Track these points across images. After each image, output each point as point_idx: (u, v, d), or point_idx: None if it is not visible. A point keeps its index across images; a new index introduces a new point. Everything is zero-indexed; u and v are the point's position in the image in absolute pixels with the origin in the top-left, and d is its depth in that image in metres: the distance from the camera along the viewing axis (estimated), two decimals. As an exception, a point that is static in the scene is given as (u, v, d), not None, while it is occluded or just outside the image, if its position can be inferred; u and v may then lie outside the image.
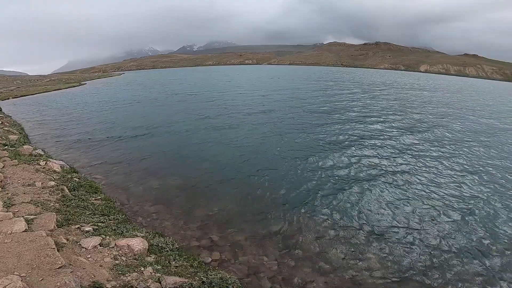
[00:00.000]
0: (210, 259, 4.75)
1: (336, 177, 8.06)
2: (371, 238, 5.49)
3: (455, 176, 8.70)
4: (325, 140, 11.62)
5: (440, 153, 10.88)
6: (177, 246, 4.74)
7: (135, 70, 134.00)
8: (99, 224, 4.50)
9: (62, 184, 5.90)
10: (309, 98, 23.75)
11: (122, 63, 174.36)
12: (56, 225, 4.00)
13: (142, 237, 4.29)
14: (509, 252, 5.28)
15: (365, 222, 5.99)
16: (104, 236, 3.95)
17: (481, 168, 9.54)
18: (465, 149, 11.54)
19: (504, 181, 8.56)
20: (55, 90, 33.71)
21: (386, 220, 6.08)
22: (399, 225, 5.91)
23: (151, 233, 4.90)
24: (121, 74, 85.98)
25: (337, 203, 6.72)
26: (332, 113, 16.98)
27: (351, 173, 8.39)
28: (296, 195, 7.04)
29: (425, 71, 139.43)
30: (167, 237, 4.94)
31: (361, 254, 5.05)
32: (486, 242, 5.57)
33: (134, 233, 4.46)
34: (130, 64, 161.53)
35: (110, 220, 4.90)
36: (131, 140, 11.51)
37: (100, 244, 3.70)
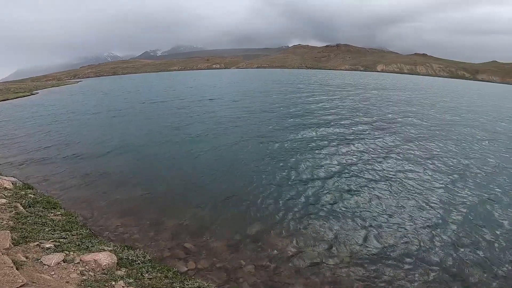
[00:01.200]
0: (186, 268, 4.61)
1: (311, 180, 8.20)
2: (347, 236, 5.69)
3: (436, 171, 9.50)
4: (296, 142, 11.87)
5: (407, 149, 11.80)
6: (149, 258, 4.55)
7: (94, 77, 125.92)
8: (61, 240, 4.17)
9: (15, 201, 5.38)
10: (280, 102, 23.83)
11: (79, 70, 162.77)
12: (12, 243, 3.66)
13: (110, 251, 4.05)
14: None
15: (341, 221, 6.18)
16: (67, 252, 3.68)
17: (443, 158, 10.60)
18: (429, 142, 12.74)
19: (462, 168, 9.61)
20: (2, 100, 30.47)
21: (362, 218, 6.31)
22: (376, 222, 6.14)
23: (119, 246, 4.65)
24: (78, 82, 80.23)
25: (313, 204, 6.85)
26: (307, 117, 17.11)
27: (327, 174, 8.60)
28: (269, 199, 7.06)
29: (382, 71, 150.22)
30: (138, 250, 4.72)
31: (338, 252, 5.21)
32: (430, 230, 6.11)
33: (100, 248, 4.19)
34: (87, 71, 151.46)
35: (73, 235, 4.56)
36: (90, 154, 10.72)
37: (64, 261, 3.45)
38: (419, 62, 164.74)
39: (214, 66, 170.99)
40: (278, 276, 4.57)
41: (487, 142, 13.26)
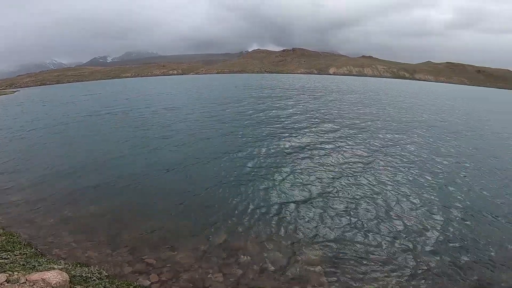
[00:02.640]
0: (149, 282, 4.52)
1: (276, 186, 8.26)
2: (310, 234, 5.96)
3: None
4: (261, 148, 12.12)
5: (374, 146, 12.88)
6: (107, 274, 4.42)
7: (34, 86, 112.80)
8: (2, 261, 3.87)
9: None
10: (246, 109, 23.34)
11: (16, 79, 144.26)
12: None
13: (61, 269, 3.86)
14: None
15: (301, 221, 6.44)
16: (11, 273, 3.43)
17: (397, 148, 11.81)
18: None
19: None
20: None
21: (324, 218, 6.59)
22: (340, 223, 6.42)
23: (71, 264, 4.43)
24: (15, 91, 71.24)
25: (278, 209, 6.97)
26: (275, 125, 17.03)
27: (294, 180, 8.69)
28: (234, 207, 7.08)
29: (334, 73, 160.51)
30: (93, 266, 4.55)
31: (303, 250, 5.43)
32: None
33: (49, 266, 3.97)
34: (26, 79, 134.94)
35: (16, 255, 4.24)
36: (28, 170, 9.84)
37: (7, 281, 3.23)
38: (366, 64, 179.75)
39: (171, 72, 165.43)
40: (247, 280, 4.66)
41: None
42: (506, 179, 9.43)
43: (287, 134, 13.92)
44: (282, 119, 17.76)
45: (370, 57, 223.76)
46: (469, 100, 43.47)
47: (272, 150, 11.48)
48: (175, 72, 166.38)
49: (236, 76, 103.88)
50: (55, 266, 4.02)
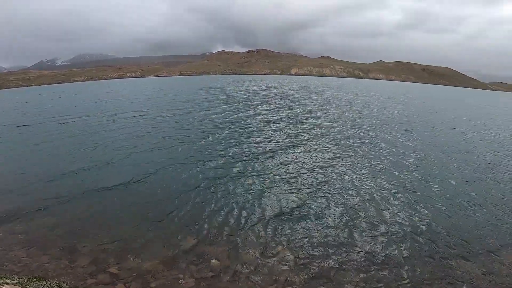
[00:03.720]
0: None
1: (243, 187, 8.20)
2: (279, 233, 6.02)
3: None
4: (221, 151, 12.01)
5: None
6: (68, 287, 4.14)
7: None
8: None
9: None
10: (215, 112, 22.97)
11: None
12: None
13: (15, 283, 3.51)
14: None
15: (272, 222, 6.45)
16: None
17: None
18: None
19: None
20: None
21: (294, 218, 6.65)
22: (311, 222, 6.52)
23: (26, 278, 4.05)
24: None
25: (247, 210, 6.92)
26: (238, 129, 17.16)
27: (257, 180, 8.67)
28: (201, 210, 6.91)
29: (295, 74, 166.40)
30: (51, 279, 4.21)
31: (275, 251, 5.44)
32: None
33: (2, 281, 3.62)
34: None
35: (-43, 274, 3.75)
36: None
37: None
38: (325, 65, 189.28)
39: (128, 74, 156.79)
40: (220, 284, 4.59)
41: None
42: (468, 166, 10.83)
43: (257, 137, 13.87)
44: (250, 122, 17.67)
45: (328, 57, 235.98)
46: (418, 97, 48.14)
47: (238, 154, 11.21)
48: (134, 74, 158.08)
49: (200, 78, 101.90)
50: (8, 281, 3.64)
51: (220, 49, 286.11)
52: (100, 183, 8.42)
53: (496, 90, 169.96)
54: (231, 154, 11.10)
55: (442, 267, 5.16)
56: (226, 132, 14.60)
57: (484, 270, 5.09)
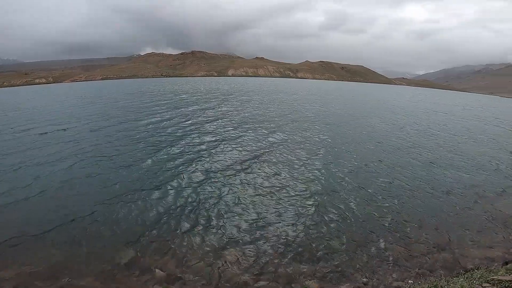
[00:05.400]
0: None
1: (176, 194, 7.92)
2: (223, 237, 5.94)
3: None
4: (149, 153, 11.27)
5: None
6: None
7: None
8: None
9: None
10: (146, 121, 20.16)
11: None
12: None
13: None
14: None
15: (212, 224, 6.39)
16: None
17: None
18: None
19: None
20: None
21: (235, 219, 6.64)
22: (251, 221, 6.56)
23: None
24: None
25: (182, 216, 6.73)
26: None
27: (188, 186, 8.37)
28: (134, 221, 6.50)
29: (232, 75, 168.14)
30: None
31: (219, 254, 5.37)
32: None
33: None
34: None
35: None
36: None
37: None
38: (259, 65, 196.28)
39: (37, 80, 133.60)
40: None
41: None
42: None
43: (183, 141, 13.31)
44: (177, 129, 16.35)
45: (262, 58, 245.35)
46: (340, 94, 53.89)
47: (166, 160, 10.63)
48: (44, 80, 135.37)
49: (129, 82, 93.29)
50: None
51: (149, 51, 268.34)
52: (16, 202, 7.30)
53: (399, 84, 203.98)
54: (163, 163, 10.30)
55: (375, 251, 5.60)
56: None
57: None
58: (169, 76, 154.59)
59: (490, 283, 3.51)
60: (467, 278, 4.03)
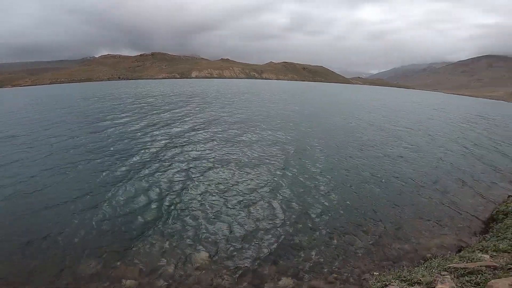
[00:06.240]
0: None
1: (140, 200, 7.56)
2: (188, 239, 5.80)
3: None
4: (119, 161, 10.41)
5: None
6: None
7: None
8: None
9: None
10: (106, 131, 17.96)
11: None
12: None
13: None
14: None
15: (176, 228, 6.19)
16: None
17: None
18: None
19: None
20: None
21: (198, 220, 6.51)
22: (219, 222, 6.47)
23: None
24: None
25: (147, 225, 6.42)
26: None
27: (146, 192, 8.02)
28: (96, 230, 6.14)
29: (196, 77, 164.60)
30: None
31: (189, 257, 5.26)
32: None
33: None
34: None
35: None
36: None
37: None
38: (224, 67, 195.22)
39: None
40: None
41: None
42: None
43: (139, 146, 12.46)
44: (133, 136, 15.20)
45: (228, 60, 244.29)
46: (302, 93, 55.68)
47: (124, 168, 9.86)
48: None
49: (82, 86, 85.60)
50: None
51: (105, 53, 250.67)
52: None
53: (356, 83, 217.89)
54: (123, 169, 9.63)
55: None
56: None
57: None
58: (127, 79, 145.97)
59: (447, 271, 3.66)
60: (426, 267, 4.19)
